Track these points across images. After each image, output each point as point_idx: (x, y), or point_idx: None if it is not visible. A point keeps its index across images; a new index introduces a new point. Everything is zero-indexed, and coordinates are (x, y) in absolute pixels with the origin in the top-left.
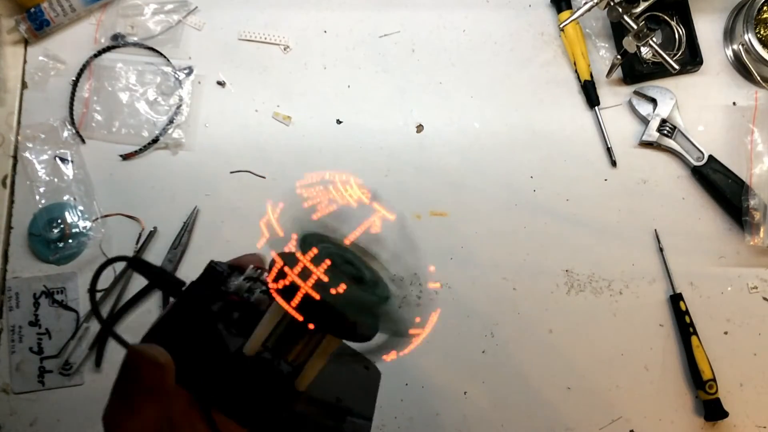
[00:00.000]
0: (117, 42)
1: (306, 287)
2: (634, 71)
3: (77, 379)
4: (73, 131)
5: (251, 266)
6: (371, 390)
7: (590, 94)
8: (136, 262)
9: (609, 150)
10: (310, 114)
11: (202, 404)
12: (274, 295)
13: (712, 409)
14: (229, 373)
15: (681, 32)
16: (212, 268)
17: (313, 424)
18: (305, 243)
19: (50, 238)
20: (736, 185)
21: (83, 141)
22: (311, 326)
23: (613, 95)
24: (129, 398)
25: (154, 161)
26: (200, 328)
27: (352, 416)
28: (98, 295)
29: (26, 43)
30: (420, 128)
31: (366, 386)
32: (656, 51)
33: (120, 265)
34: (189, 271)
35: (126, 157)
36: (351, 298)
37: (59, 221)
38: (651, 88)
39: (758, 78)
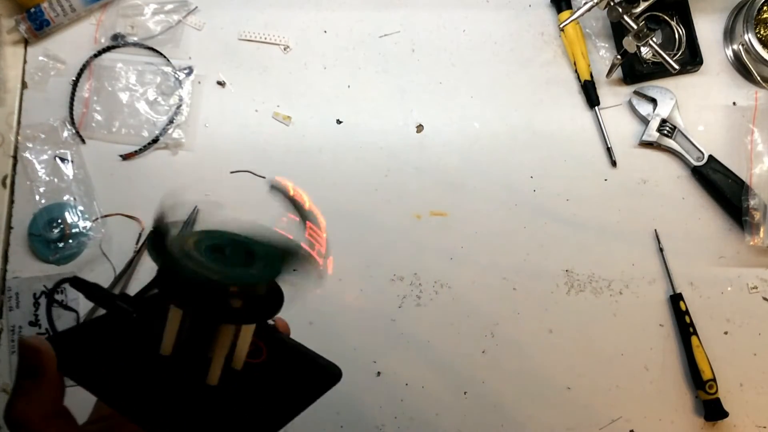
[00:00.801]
0: (117, 42)
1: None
2: (634, 71)
3: None
4: (73, 131)
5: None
6: (312, 390)
7: (590, 94)
8: (75, 282)
9: (609, 150)
10: (310, 114)
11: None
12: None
13: (712, 409)
14: (134, 375)
15: (681, 32)
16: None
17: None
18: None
19: (50, 238)
20: (736, 185)
21: (83, 141)
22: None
23: (613, 95)
24: (18, 383)
25: (154, 161)
26: (117, 334)
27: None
28: None
29: (26, 43)
30: (420, 128)
31: (307, 385)
32: (656, 51)
33: (120, 265)
34: None
35: (126, 157)
36: (231, 275)
37: (59, 221)
38: (651, 88)
39: (758, 78)
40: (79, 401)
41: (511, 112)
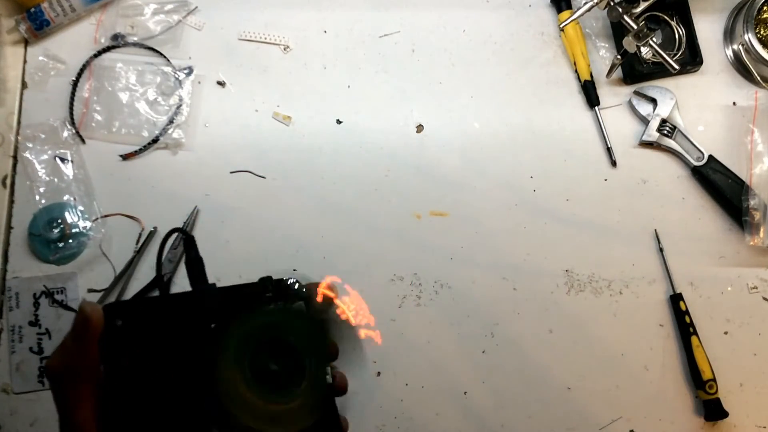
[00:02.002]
0: (117, 42)
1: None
2: (634, 71)
3: None
4: (73, 131)
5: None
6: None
7: (590, 94)
8: (189, 241)
9: (609, 150)
10: (310, 114)
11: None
12: None
13: (712, 409)
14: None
15: (681, 32)
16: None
17: None
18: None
19: (50, 238)
20: (736, 185)
21: (83, 141)
22: None
23: (613, 95)
24: (64, 339)
25: (154, 161)
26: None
27: None
28: (98, 295)
29: (26, 43)
30: (420, 128)
31: None
32: (656, 51)
33: (120, 265)
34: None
35: (126, 157)
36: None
37: (59, 221)
38: (651, 88)
39: (758, 78)
40: None
41: (511, 112)
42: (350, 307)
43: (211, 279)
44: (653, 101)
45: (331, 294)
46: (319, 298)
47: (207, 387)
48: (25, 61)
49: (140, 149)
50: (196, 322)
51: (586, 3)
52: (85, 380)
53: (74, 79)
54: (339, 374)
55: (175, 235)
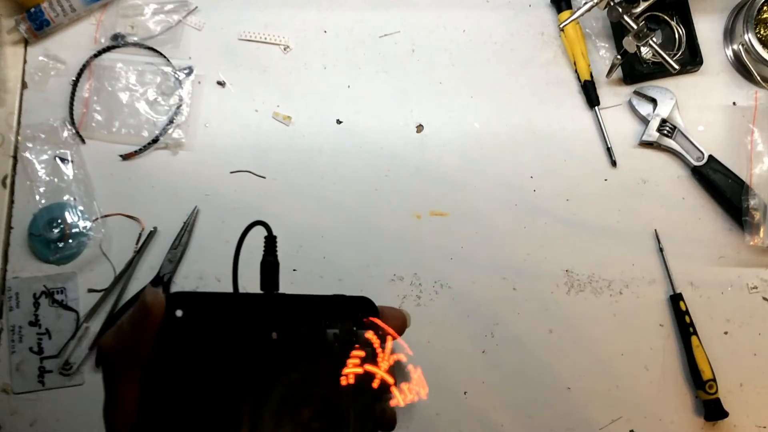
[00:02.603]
0: (117, 42)
1: None
2: (634, 71)
3: (77, 379)
4: (73, 131)
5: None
6: None
7: (590, 94)
8: (271, 241)
9: (609, 150)
10: (310, 114)
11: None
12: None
13: (712, 409)
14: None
15: (681, 32)
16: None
17: None
18: None
19: (50, 238)
20: (736, 185)
21: (83, 141)
22: None
23: (613, 95)
24: (123, 319)
25: (154, 161)
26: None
27: None
28: (98, 295)
29: (26, 43)
30: (420, 128)
31: None
32: (656, 51)
33: (120, 265)
34: (189, 270)
35: (126, 157)
36: None
37: (59, 221)
38: (651, 88)
39: (758, 78)
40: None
41: (511, 112)
42: (407, 398)
43: (211, 279)
44: (653, 101)
45: (389, 380)
46: (375, 384)
47: (250, 399)
48: (25, 61)
49: (140, 149)
50: (258, 328)
51: (586, 3)
52: (137, 365)
53: (74, 79)
54: (390, 411)
55: (175, 236)
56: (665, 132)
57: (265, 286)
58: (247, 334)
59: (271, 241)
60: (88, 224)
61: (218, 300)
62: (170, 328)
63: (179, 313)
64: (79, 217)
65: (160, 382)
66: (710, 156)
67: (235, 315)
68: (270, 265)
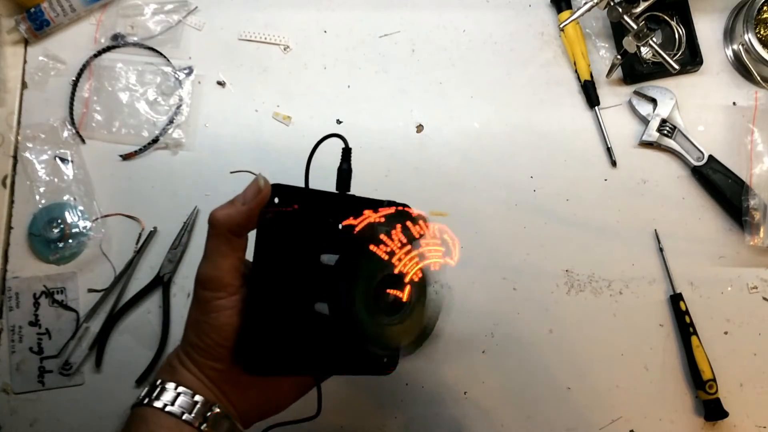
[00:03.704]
0: (117, 42)
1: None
2: (634, 71)
3: (77, 379)
4: (73, 131)
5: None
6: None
7: (590, 94)
8: (347, 152)
9: (609, 150)
10: (310, 114)
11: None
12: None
13: (712, 409)
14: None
15: (681, 32)
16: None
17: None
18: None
19: (50, 238)
20: (736, 185)
21: (83, 141)
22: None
23: (613, 95)
24: (236, 197)
25: (154, 161)
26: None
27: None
28: (98, 295)
29: (26, 43)
30: (420, 128)
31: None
32: (656, 51)
33: (120, 265)
34: (189, 271)
35: (126, 157)
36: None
37: (59, 221)
38: (651, 88)
39: (758, 78)
40: None
41: (511, 112)
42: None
43: None
44: (653, 101)
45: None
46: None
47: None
48: (25, 61)
49: (140, 149)
50: (332, 221)
51: (586, 3)
52: (241, 235)
53: (74, 79)
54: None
55: (175, 236)
56: (665, 132)
57: (340, 187)
58: (325, 223)
59: (346, 152)
60: (88, 224)
61: (306, 195)
62: (268, 210)
63: (276, 200)
64: (79, 217)
65: (265, 257)
66: (710, 156)
67: (318, 207)
68: (344, 171)
